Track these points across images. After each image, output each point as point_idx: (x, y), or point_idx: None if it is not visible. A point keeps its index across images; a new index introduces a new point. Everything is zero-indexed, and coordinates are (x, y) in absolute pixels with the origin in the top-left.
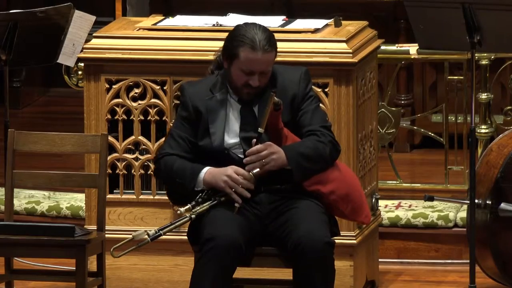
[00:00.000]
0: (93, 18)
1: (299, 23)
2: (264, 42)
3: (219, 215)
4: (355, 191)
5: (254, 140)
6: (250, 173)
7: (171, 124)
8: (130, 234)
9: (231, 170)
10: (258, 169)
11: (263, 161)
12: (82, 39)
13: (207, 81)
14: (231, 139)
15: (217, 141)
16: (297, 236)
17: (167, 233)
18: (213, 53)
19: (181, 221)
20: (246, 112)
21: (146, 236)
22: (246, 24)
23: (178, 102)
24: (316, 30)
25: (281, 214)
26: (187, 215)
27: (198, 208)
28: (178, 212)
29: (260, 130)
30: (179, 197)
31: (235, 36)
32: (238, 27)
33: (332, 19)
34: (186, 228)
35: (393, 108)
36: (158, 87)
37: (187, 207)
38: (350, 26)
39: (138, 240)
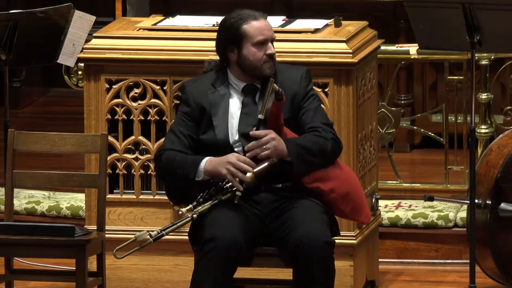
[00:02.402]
0: (93, 18)
1: (299, 23)
2: (259, 12)
3: (220, 216)
4: (356, 191)
5: (255, 127)
6: (252, 171)
7: (171, 123)
8: (130, 234)
9: (232, 156)
10: (259, 168)
11: (263, 147)
12: (82, 39)
13: (207, 77)
14: (233, 136)
15: (221, 133)
16: (297, 236)
17: (168, 234)
18: (214, 53)
19: (183, 221)
20: (248, 101)
21: (148, 237)
22: (229, 13)
23: (178, 102)
24: (316, 30)
25: (281, 214)
26: (189, 215)
27: (200, 208)
28: (180, 212)
29: (260, 116)
30: (179, 194)
31: (230, 23)
32: (225, 19)
33: (332, 19)
34: (187, 228)
35: (393, 108)
36: (158, 87)
37: (188, 207)
38: (350, 26)
39: (141, 241)
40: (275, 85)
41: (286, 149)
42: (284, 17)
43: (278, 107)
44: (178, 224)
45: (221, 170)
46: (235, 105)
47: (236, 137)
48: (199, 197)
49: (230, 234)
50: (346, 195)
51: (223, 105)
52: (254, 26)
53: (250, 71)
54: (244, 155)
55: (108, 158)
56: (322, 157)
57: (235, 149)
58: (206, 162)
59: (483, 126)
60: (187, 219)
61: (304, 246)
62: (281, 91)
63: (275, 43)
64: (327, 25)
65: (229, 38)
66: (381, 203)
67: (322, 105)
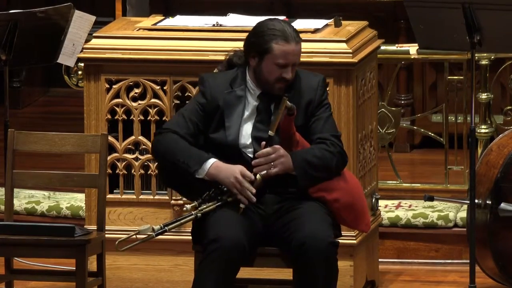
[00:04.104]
0: (93, 18)
1: (299, 23)
2: (294, 34)
3: (223, 216)
4: (359, 201)
5: (264, 142)
6: (258, 175)
7: (183, 108)
8: (130, 234)
9: (238, 171)
10: (265, 171)
11: (271, 163)
12: (82, 39)
13: (226, 75)
14: (244, 138)
15: (232, 135)
16: (301, 236)
17: (168, 233)
18: (214, 53)
19: (187, 218)
20: (263, 109)
21: (151, 232)
22: (269, 19)
23: (178, 102)
24: (316, 30)
25: (285, 214)
26: (193, 212)
27: (205, 206)
28: (184, 208)
29: (270, 133)
30: (173, 178)
31: (263, 32)
32: (262, 23)
33: (332, 19)
34: (188, 228)
35: (393, 108)
36: (158, 87)
37: (193, 204)
38: (350, 26)
39: (143, 235)
40: (288, 102)
41: (292, 164)
42: (284, 17)
43: (289, 121)
44: (182, 221)
45: (224, 181)
46: (249, 109)
47: (248, 141)
48: (204, 195)
49: (233, 235)
50: (349, 205)
51: (238, 107)
52: (282, 48)
53: (262, 83)
54: (254, 158)
55: (108, 158)
56: (325, 172)
57: (246, 151)
58: (212, 165)
59: (483, 126)
60: (191, 217)
61: (308, 247)
62: (293, 106)
63: None
64: (327, 25)
65: (255, 45)
66: (381, 203)
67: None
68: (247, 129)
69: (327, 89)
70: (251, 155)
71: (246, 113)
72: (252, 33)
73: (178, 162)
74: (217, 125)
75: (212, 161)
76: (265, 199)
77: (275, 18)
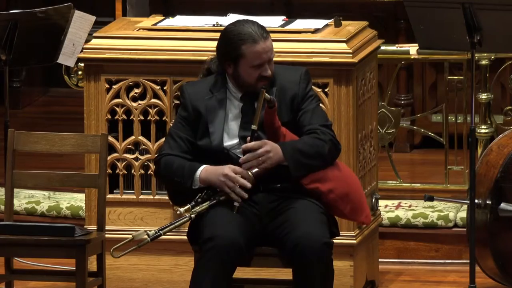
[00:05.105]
0: (93, 18)
1: (299, 23)
2: (260, 31)
3: (219, 215)
4: (355, 191)
5: (249, 138)
6: (249, 173)
7: (171, 124)
8: (130, 234)
9: (228, 169)
10: (257, 169)
11: (259, 159)
12: (82, 39)
13: (206, 81)
14: (230, 140)
15: (216, 140)
16: (295, 237)
17: (167, 233)
18: (214, 53)
19: (181, 221)
20: (247, 110)
21: (146, 236)
22: (233, 24)
23: (178, 102)
24: (316, 30)
25: (280, 214)
26: (187, 215)
27: (198, 208)
28: (178, 212)
29: (253, 127)
30: (180, 197)
31: (230, 38)
32: (227, 30)
33: (332, 19)
34: (186, 228)
35: (393, 108)
36: (158, 87)
37: (186, 207)
38: (350, 26)
39: (138, 240)
40: (266, 94)
41: (282, 154)
42: (284, 17)
43: (271, 114)
44: (176, 224)
45: (215, 182)
46: (232, 110)
47: (235, 141)
48: (197, 197)
49: (229, 233)
50: (345, 195)
51: (220, 110)
52: (253, 50)
53: (244, 86)
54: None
55: (108, 158)
56: (319, 160)
57: (234, 152)
58: (201, 171)
59: (483, 126)
60: (185, 219)
61: (302, 247)
62: (272, 98)
63: (275, 44)
64: (327, 25)
65: (227, 53)
66: (381, 203)
67: (321, 105)
68: (232, 129)
69: (311, 81)
70: (240, 155)
71: (230, 114)
72: (220, 42)
73: (176, 183)
74: (203, 132)
75: (201, 168)
76: (259, 198)
77: (238, 21)
